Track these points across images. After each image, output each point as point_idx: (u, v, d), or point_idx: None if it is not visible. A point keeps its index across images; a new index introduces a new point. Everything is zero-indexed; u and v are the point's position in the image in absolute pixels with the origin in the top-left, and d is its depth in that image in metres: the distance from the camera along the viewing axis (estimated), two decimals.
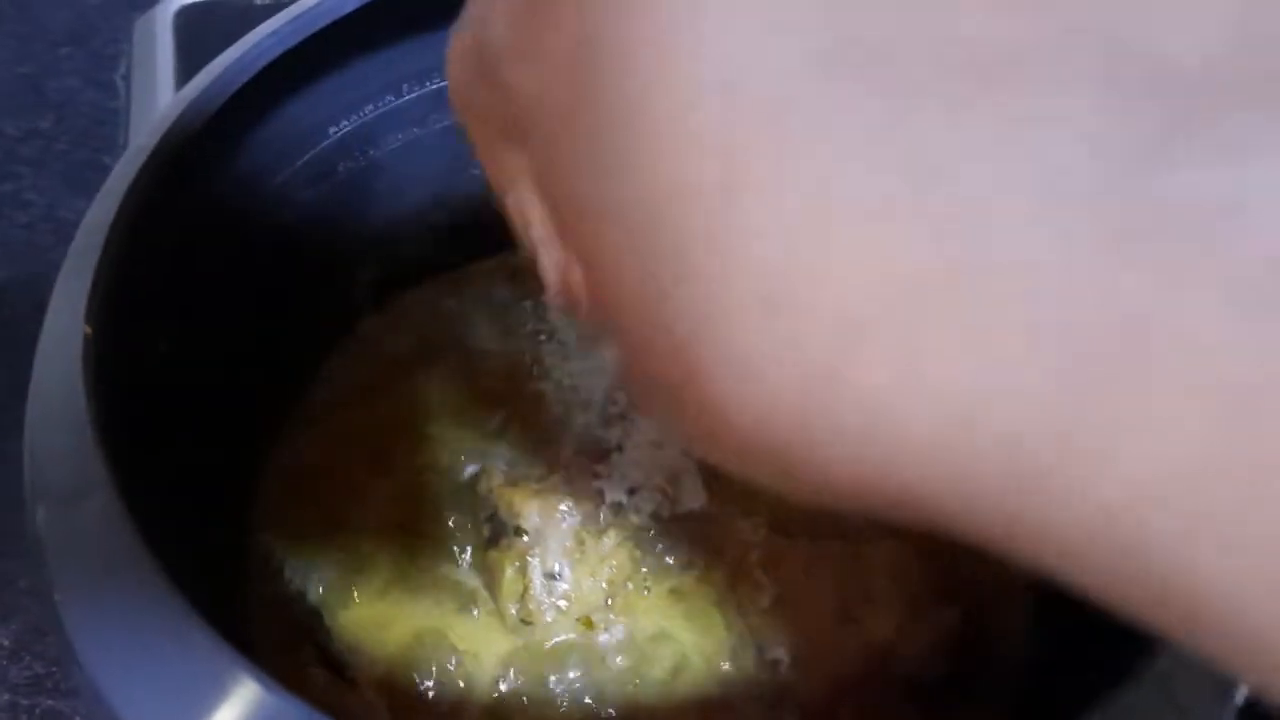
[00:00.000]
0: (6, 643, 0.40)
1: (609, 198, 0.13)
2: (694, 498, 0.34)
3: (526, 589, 0.32)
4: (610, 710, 0.32)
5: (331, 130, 0.34)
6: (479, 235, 0.40)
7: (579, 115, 0.13)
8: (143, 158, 0.26)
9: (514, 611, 0.33)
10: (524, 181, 0.16)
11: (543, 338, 0.38)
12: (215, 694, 0.21)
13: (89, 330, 0.24)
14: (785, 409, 0.12)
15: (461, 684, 0.32)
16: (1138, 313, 0.10)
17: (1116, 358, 0.11)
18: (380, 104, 0.34)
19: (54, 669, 0.39)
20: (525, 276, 0.40)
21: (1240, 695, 0.21)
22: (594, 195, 0.13)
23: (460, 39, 0.17)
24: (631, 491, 0.34)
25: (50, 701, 0.39)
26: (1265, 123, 0.10)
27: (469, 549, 0.34)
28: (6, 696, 0.40)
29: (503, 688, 0.32)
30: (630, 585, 0.33)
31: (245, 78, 0.28)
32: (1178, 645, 0.12)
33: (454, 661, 0.32)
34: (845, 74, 0.11)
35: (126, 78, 0.54)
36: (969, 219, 0.11)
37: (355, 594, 0.34)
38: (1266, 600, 0.10)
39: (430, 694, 0.32)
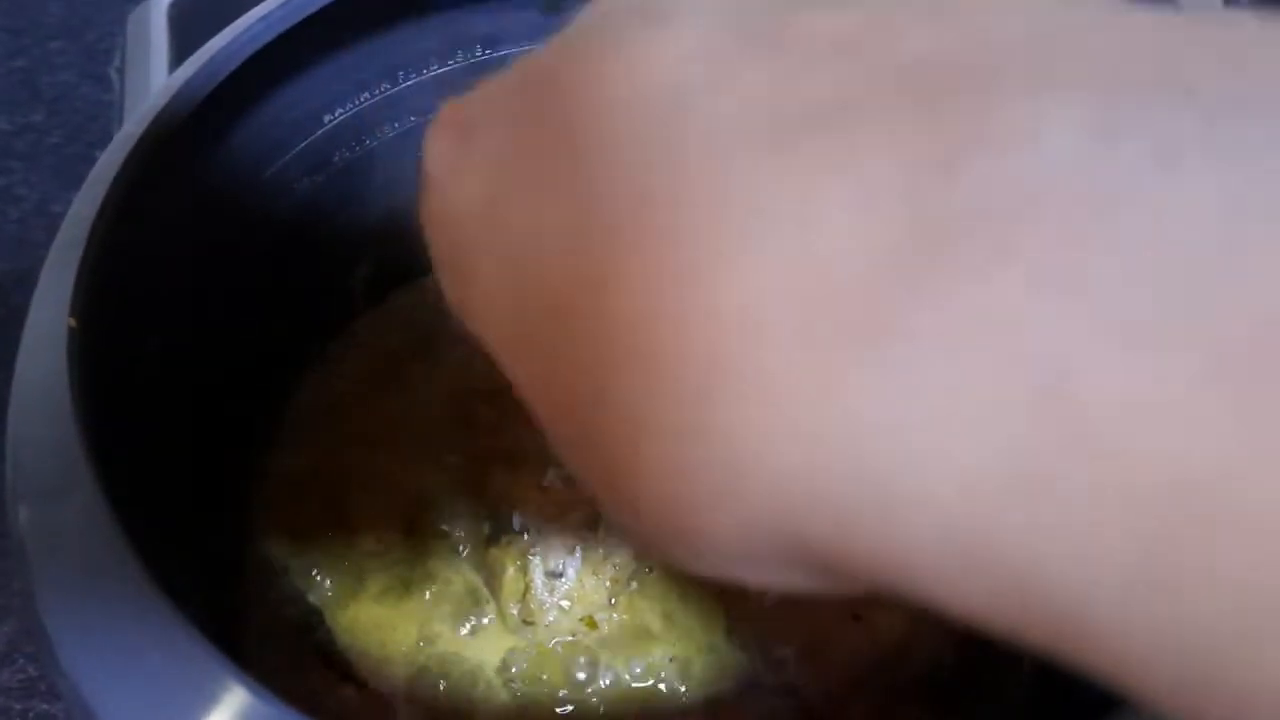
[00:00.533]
0: None
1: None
2: None
3: (528, 588, 0.32)
4: (615, 711, 0.31)
5: (326, 119, 0.33)
6: None
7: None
8: (129, 147, 0.26)
9: (515, 611, 0.32)
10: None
11: None
12: (203, 701, 0.20)
13: (73, 323, 0.23)
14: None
15: (463, 684, 0.31)
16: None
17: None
18: (376, 92, 0.33)
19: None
20: None
21: None
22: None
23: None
24: None
25: (44, 705, 0.39)
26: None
27: (470, 547, 0.34)
28: None
29: (505, 688, 0.31)
30: (634, 584, 0.32)
31: (234, 64, 0.27)
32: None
33: (456, 662, 0.32)
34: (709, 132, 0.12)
35: (120, 70, 0.53)
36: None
37: (355, 594, 0.33)
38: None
39: (432, 694, 0.31)
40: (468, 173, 0.14)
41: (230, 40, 0.27)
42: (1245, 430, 0.09)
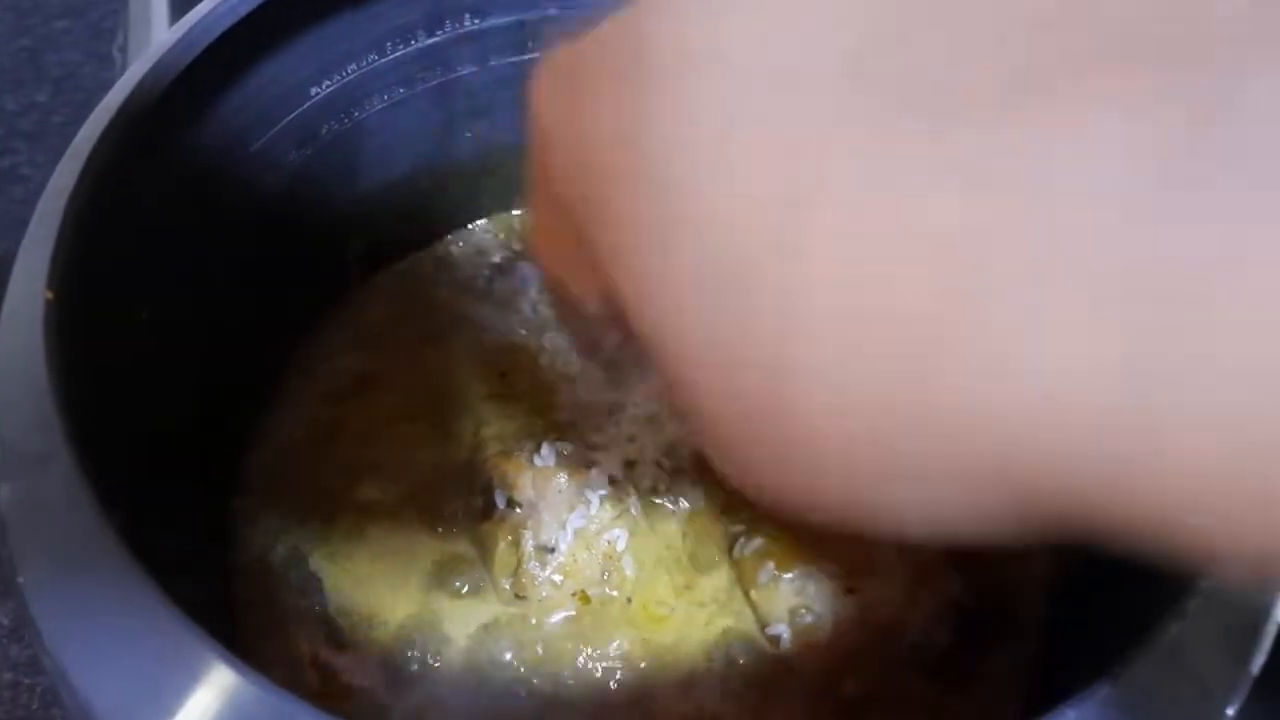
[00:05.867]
0: (6, 621, 0.40)
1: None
2: (691, 471, 0.33)
3: (520, 563, 0.32)
4: (609, 685, 0.31)
5: (313, 91, 0.32)
6: (471, 199, 0.39)
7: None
8: (107, 118, 0.25)
9: (507, 585, 0.32)
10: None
11: (538, 306, 0.37)
12: (187, 678, 0.20)
13: (50, 295, 0.23)
14: (874, 420, 0.12)
15: (455, 657, 0.31)
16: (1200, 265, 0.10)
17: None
18: (363, 63, 0.33)
19: None
20: (519, 240, 0.39)
21: (1256, 664, 0.20)
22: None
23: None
24: (629, 464, 0.33)
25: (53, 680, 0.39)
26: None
27: (463, 521, 0.33)
28: (8, 675, 0.40)
29: (496, 662, 0.31)
30: (627, 559, 0.32)
31: (214, 35, 0.27)
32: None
33: (447, 635, 0.32)
34: (882, 102, 0.12)
35: (123, 49, 0.53)
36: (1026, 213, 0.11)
37: (346, 568, 0.33)
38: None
39: (424, 667, 0.31)
40: (589, 125, 0.14)
41: (210, 9, 0.27)
42: None
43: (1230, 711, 0.20)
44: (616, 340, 0.18)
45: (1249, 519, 0.11)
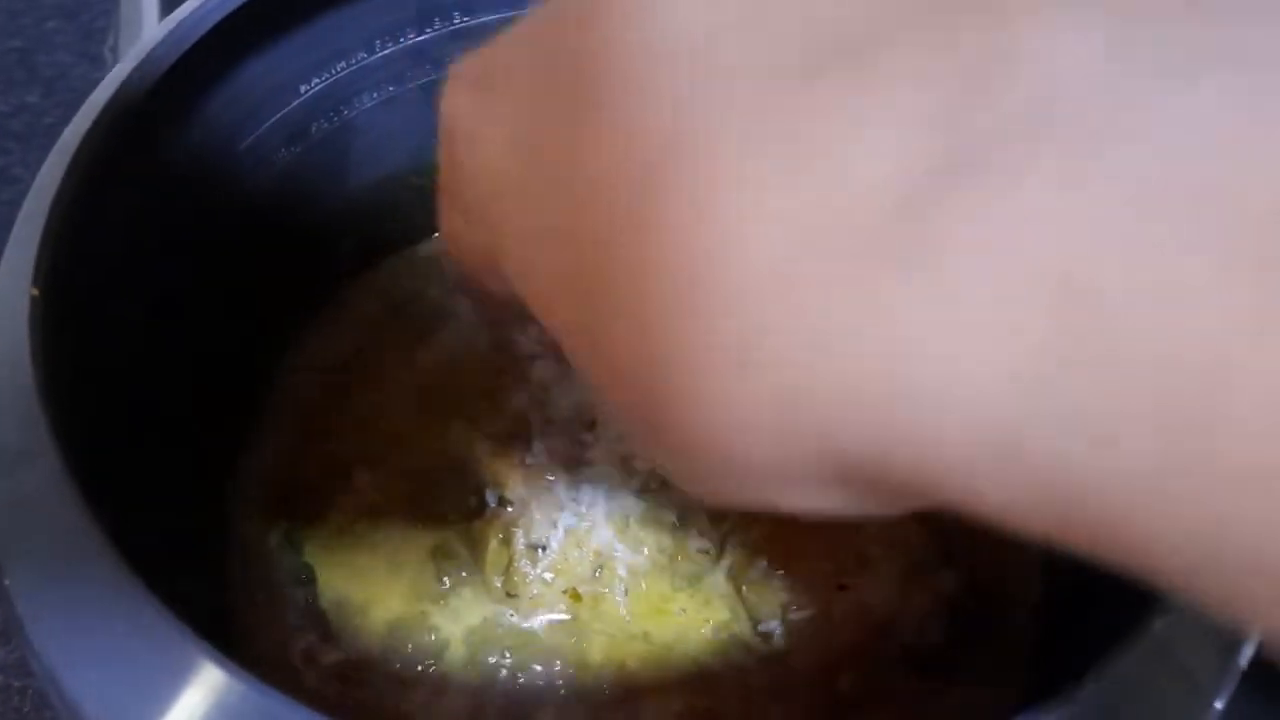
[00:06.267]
0: None
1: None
2: None
3: (511, 560, 0.32)
4: (600, 683, 0.31)
5: (302, 89, 0.32)
6: None
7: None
8: (93, 116, 0.25)
9: (499, 584, 0.32)
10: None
11: None
12: (176, 679, 0.20)
13: (35, 293, 0.23)
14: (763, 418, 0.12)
15: (447, 656, 0.31)
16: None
17: None
18: (352, 61, 0.33)
19: None
20: None
21: (1244, 658, 0.20)
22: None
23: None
24: (621, 461, 0.33)
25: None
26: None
27: (455, 520, 0.33)
28: None
29: (488, 660, 0.31)
30: (619, 557, 0.32)
31: (202, 31, 0.27)
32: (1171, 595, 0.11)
33: (439, 633, 0.32)
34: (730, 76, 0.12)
35: (114, 50, 0.53)
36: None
37: (338, 565, 0.33)
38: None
39: (415, 664, 0.31)
40: (493, 124, 0.15)
41: (198, 7, 0.27)
42: (1258, 308, 0.10)
43: (1219, 705, 0.20)
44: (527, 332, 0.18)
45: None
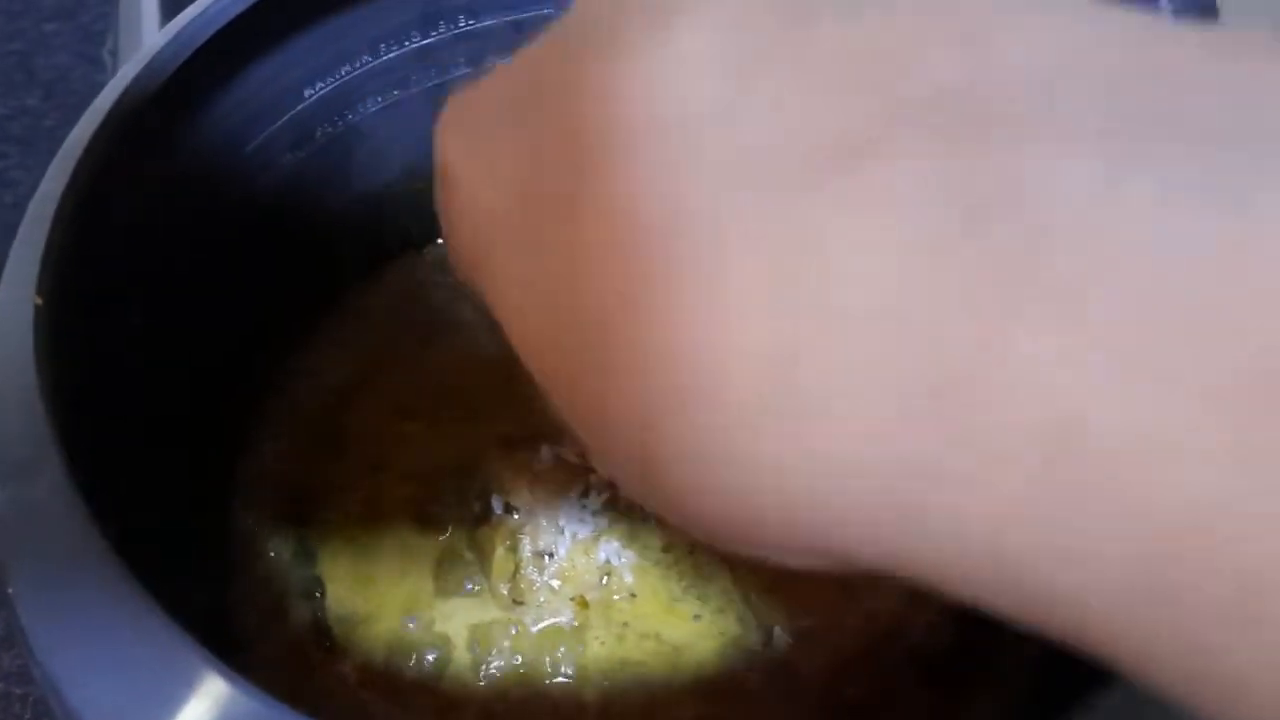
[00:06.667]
0: None
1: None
2: None
3: (518, 567, 0.31)
4: (608, 691, 0.31)
5: (307, 93, 0.32)
6: None
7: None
8: (97, 121, 0.25)
9: (505, 590, 0.31)
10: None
11: None
12: (179, 689, 0.20)
13: (40, 301, 0.23)
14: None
15: (452, 661, 0.31)
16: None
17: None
18: (358, 64, 0.33)
19: None
20: None
21: None
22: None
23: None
24: None
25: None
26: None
27: (461, 526, 0.33)
28: None
29: (494, 667, 0.31)
30: (626, 564, 0.32)
31: (206, 36, 0.27)
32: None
33: (445, 638, 0.31)
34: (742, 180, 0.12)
35: (114, 53, 0.53)
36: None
37: (344, 572, 0.33)
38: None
39: (421, 671, 0.31)
40: (491, 174, 0.15)
41: (201, 12, 0.27)
42: (1243, 462, 0.10)
43: None
44: None
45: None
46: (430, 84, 0.35)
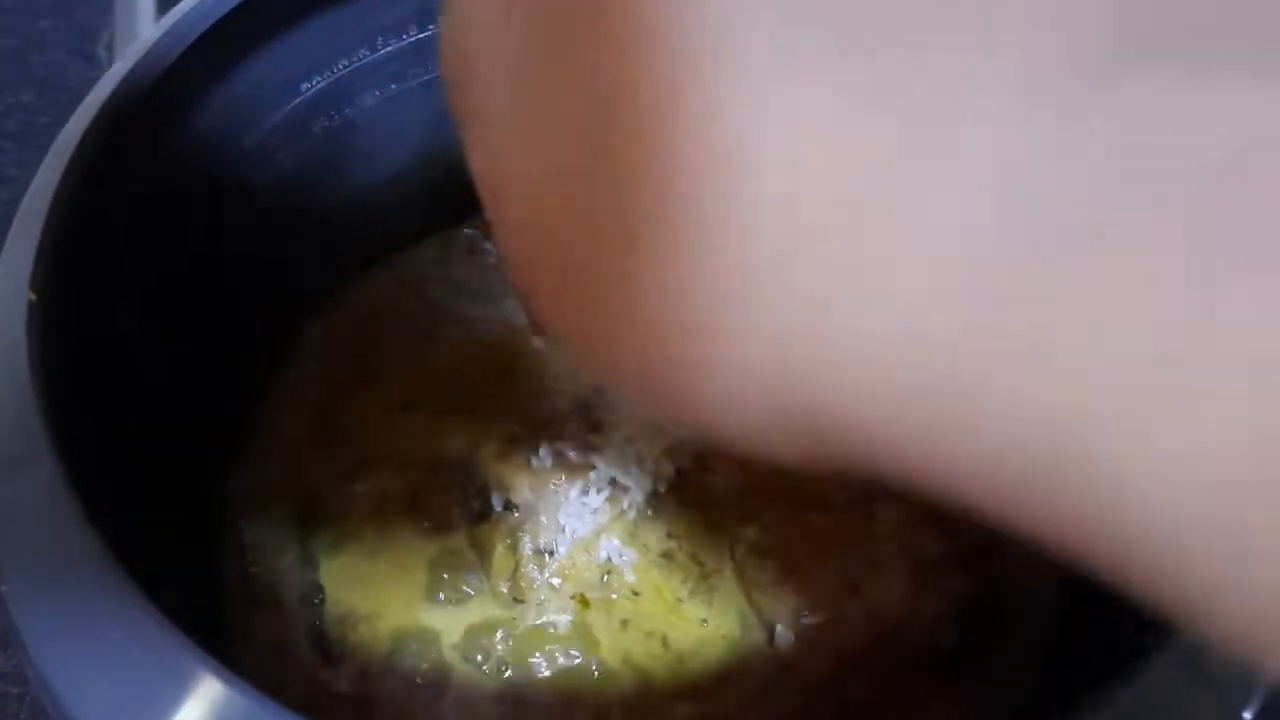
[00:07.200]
0: None
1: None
2: (691, 472, 0.32)
3: (518, 565, 0.31)
4: (608, 688, 0.30)
5: (304, 87, 0.32)
6: (465, 195, 0.38)
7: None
8: (91, 116, 0.25)
9: (505, 588, 0.31)
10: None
11: None
12: (174, 690, 0.20)
13: (33, 297, 0.23)
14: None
15: (452, 659, 0.31)
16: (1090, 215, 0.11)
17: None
18: (354, 59, 0.32)
19: None
20: None
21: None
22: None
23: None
24: (628, 464, 0.33)
25: None
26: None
27: (460, 524, 0.33)
28: None
29: (494, 666, 0.31)
30: (627, 562, 0.31)
31: (201, 29, 0.26)
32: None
33: (445, 636, 0.31)
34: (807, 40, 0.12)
35: (109, 49, 0.53)
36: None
37: (342, 570, 0.32)
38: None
39: (420, 669, 0.31)
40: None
41: (196, 6, 0.27)
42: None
43: (1247, 716, 0.20)
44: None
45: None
46: (427, 77, 0.34)
